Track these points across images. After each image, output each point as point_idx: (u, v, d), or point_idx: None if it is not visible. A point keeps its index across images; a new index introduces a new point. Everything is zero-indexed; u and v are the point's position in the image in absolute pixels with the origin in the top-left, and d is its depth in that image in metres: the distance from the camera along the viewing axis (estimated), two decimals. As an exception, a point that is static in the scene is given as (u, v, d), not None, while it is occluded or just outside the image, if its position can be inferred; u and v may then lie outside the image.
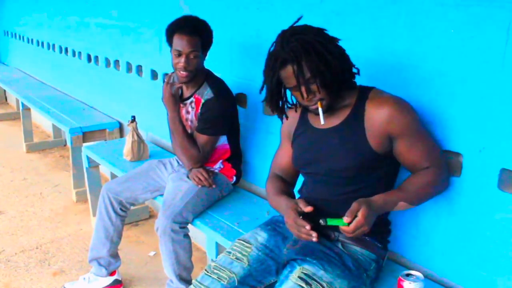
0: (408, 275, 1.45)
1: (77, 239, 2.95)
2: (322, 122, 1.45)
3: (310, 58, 1.38)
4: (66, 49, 4.56)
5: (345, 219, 1.35)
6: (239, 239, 1.66)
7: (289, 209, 1.51)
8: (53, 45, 4.88)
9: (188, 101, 2.25)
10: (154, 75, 3.14)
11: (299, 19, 1.49)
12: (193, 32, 2.08)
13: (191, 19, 2.15)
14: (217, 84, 2.21)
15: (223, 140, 2.27)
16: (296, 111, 1.68)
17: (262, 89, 1.55)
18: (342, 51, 1.46)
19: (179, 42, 2.06)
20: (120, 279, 2.46)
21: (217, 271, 1.55)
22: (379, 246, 1.58)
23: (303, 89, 1.42)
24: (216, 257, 1.71)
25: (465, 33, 1.46)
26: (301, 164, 1.67)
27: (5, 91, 6.24)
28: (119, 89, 3.60)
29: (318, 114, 1.47)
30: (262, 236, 1.64)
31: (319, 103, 1.44)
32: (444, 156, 1.54)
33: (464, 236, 1.57)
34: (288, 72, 1.42)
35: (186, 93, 2.27)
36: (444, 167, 1.51)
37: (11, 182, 3.86)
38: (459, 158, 1.56)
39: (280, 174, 1.77)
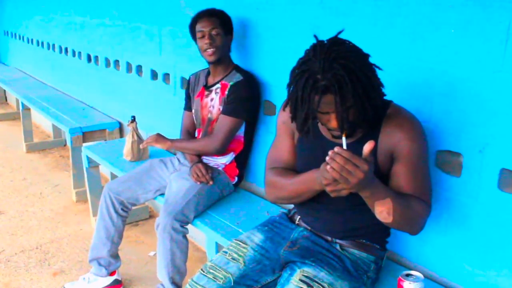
0: (408, 275, 1.45)
1: (77, 239, 2.95)
2: (344, 147, 1.27)
3: (355, 91, 1.27)
4: (66, 49, 4.56)
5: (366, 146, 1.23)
6: (235, 239, 1.65)
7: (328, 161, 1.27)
8: (53, 45, 4.88)
9: (214, 88, 2.28)
10: (154, 75, 3.14)
11: (340, 32, 1.35)
12: (211, 14, 2.20)
13: (209, 8, 2.24)
14: (247, 72, 2.27)
15: (240, 132, 2.27)
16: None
17: (285, 105, 1.44)
18: (380, 82, 1.36)
19: (200, 26, 2.18)
20: (120, 279, 2.46)
21: (213, 271, 1.54)
22: (377, 247, 1.57)
23: (337, 117, 1.31)
24: (216, 257, 1.70)
25: (465, 33, 1.46)
26: (306, 170, 1.55)
27: (5, 91, 6.24)
28: (119, 89, 3.60)
29: (338, 137, 1.38)
30: (258, 237, 1.64)
31: (344, 132, 1.32)
32: (431, 198, 1.45)
33: (464, 236, 1.57)
34: (326, 99, 1.28)
35: (212, 81, 2.31)
36: (430, 208, 1.43)
37: (11, 182, 3.86)
38: (459, 158, 1.56)
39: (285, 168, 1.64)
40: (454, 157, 1.59)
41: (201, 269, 1.57)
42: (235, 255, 1.58)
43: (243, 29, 2.33)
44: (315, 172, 1.41)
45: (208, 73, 2.35)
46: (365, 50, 1.38)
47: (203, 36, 2.17)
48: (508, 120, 1.40)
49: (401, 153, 1.40)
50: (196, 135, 2.43)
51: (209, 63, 2.25)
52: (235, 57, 2.40)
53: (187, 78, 2.53)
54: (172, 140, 2.36)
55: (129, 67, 3.43)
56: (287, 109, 1.47)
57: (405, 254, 1.77)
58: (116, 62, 3.60)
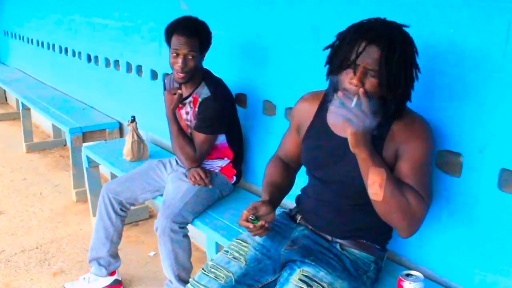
0: (408, 275, 1.45)
1: (77, 239, 2.95)
2: (352, 105, 1.27)
3: (398, 62, 1.28)
4: (66, 49, 4.56)
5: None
6: (236, 239, 1.66)
7: (252, 205, 1.54)
8: (53, 45, 4.88)
9: (187, 101, 2.25)
10: (154, 75, 3.14)
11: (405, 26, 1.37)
12: (192, 33, 2.08)
13: (190, 20, 2.15)
14: (215, 83, 2.21)
15: (222, 139, 2.27)
16: (323, 101, 1.55)
17: (328, 47, 1.41)
18: (413, 85, 1.39)
19: (177, 42, 2.07)
20: (120, 279, 2.46)
21: (214, 270, 1.54)
22: (377, 248, 1.57)
23: (372, 73, 1.29)
24: (216, 257, 1.70)
25: (465, 33, 1.46)
26: (312, 167, 1.62)
27: (5, 91, 6.24)
28: (119, 89, 3.60)
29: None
30: (256, 241, 1.63)
31: (362, 90, 1.27)
32: (430, 200, 1.44)
33: (464, 236, 1.57)
34: (371, 51, 1.27)
35: (185, 92, 2.27)
36: (426, 207, 1.40)
37: (11, 182, 3.86)
38: (459, 158, 1.56)
39: (284, 159, 1.76)
40: (454, 157, 1.59)
41: (203, 269, 1.57)
42: (237, 254, 1.58)
43: (243, 28, 2.33)
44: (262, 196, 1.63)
45: None
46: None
47: (177, 55, 2.08)
48: (508, 120, 1.39)
49: (405, 151, 1.40)
50: None
51: (176, 82, 2.19)
52: (236, 57, 2.41)
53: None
54: (173, 118, 2.24)
55: (129, 67, 3.43)
56: (302, 101, 1.61)
57: (405, 254, 1.77)
58: (116, 62, 3.60)
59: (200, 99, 2.18)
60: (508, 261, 1.46)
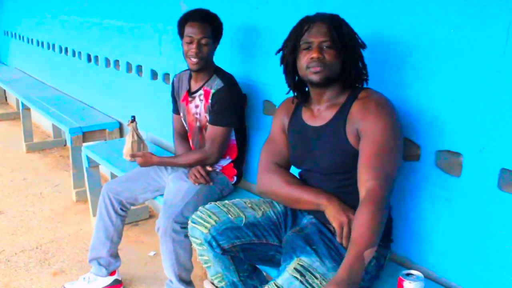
0: (408, 275, 1.45)
1: (77, 239, 2.95)
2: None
3: (343, 29, 1.47)
4: (66, 49, 4.56)
5: None
6: (263, 199, 1.76)
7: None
8: (53, 45, 4.88)
9: (197, 94, 2.25)
10: (154, 75, 3.14)
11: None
12: (205, 20, 2.12)
13: (202, 10, 2.19)
14: (227, 76, 2.23)
15: (231, 136, 2.27)
16: (292, 102, 1.69)
17: (279, 51, 1.61)
18: (363, 62, 1.56)
19: (191, 29, 2.10)
20: (120, 279, 2.46)
21: (230, 207, 1.65)
22: (379, 244, 1.57)
23: (327, 44, 1.45)
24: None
25: (465, 33, 1.46)
26: (295, 161, 1.70)
27: (5, 91, 6.25)
28: (119, 89, 3.60)
29: (312, 81, 1.50)
30: (278, 208, 1.73)
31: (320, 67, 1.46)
32: (392, 181, 1.40)
33: (464, 236, 1.57)
34: (316, 26, 1.46)
35: (194, 86, 2.28)
36: (388, 190, 1.37)
37: (11, 182, 3.87)
38: (459, 158, 1.56)
39: (282, 164, 1.72)
40: (454, 157, 1.59)
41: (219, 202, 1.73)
42: (256, 206, 1.68)
43: (243, 28, 2.33)
44: (320, 197, 1.54)
45: (190, 76, 2.32)
46: (366, 50, 1.39)
47: (191, 42, 2.10)
48: (508, 120, 1.39)
49: (365, 131, 1.44)
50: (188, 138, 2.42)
51: (191, 70, 2.21)
52: (235, 57, 2.41)
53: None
54: (161, 158, 2.31)
55: (129, 67, 3.43)
56: (283, 105, 1.72)
57: (405, 254, 1.77)
58: (116, 62, 3.60)
59: (213, 90, 2.18)
60: (507, 261, 1.46)
